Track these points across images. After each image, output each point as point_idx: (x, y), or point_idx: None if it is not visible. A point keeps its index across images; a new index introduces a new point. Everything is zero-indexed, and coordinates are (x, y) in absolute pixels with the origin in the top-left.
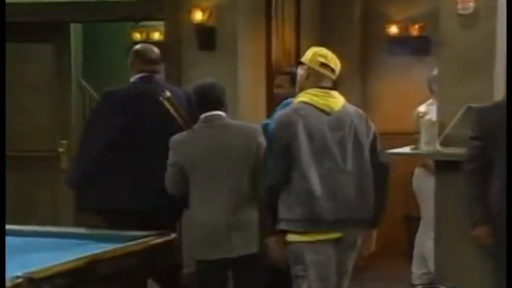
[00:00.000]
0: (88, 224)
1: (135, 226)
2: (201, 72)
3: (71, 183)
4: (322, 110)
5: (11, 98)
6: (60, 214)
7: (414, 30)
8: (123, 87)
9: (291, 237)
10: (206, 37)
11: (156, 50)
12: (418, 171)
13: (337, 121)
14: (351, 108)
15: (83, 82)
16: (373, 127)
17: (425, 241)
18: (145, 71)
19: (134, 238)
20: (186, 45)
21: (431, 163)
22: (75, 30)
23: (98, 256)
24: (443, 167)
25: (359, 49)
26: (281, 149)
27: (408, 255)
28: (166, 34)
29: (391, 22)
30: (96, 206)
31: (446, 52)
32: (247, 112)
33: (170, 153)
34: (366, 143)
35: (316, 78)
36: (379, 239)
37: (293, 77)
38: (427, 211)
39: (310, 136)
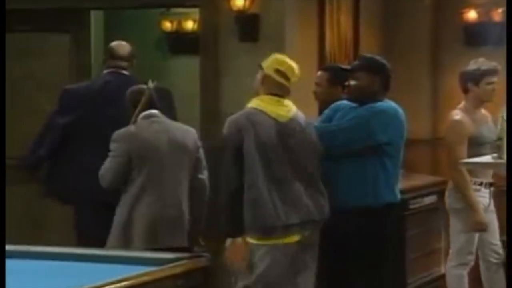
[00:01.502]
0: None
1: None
2: (242, 68)
3: (29, 165)
4: (273, 118)
5: (22, 97)
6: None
7: (497, 15)
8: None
9: (250, 240)
10: (248, 26)
11: (127, 47)
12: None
13: (288, 129)
14: (301, 116)
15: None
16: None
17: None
18: (112, 67)
19: (163, 261)
20: (225, 36)
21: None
22: (96, 18)
23: (135, 281)
24: None
25: (430, 38)
26: (233, 155)
27: None
28: (202, 23)
29: (469, 6)
30: (62, 196)
31: None
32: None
33: (116, 145)
34: (315, 150)
35: (270, 85)
36: None
37: (332, 74)
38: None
39: (260, 144)
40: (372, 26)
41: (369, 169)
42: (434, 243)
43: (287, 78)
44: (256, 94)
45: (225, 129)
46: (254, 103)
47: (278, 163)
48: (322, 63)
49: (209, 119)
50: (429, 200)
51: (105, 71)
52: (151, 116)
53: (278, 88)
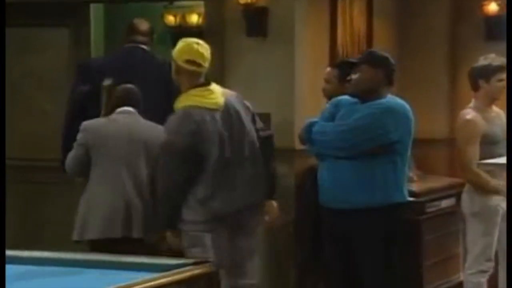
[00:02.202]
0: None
1: None
2: (250, 64)
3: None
4: (210, 109)
5: (19, 96)
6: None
7: None
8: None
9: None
10: (256, 20)
11: (147, 23)
12: (470, 186)
13: (227, 115)
14: (230, 94)
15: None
16: (250, 106)
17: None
18: (132, 41)
19: (167, 267)
20: (232, 30)
21: None
22: (97, 12)
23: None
24: None
25: (447, 32)
26: (180, 154)
27: None
28: (207, 16)
29: None
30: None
31: None
32: (306, 111)
33: (80, 134)
34: (252, 126)
35: (189, 77)
36: None
37: (342, 71)
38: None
39: (209, 140)
40: (387, 19)
41: (379, 168)
42: (452, 249)
43: (199, 65)
44: (177, 85)
45: (171, 132)
46: (187, 101)
47: (226, 153)
48: (333, 59)
49: None
50: (446, 203)
51: (126, 45)
52: (124, 112)
53: (196, 77)
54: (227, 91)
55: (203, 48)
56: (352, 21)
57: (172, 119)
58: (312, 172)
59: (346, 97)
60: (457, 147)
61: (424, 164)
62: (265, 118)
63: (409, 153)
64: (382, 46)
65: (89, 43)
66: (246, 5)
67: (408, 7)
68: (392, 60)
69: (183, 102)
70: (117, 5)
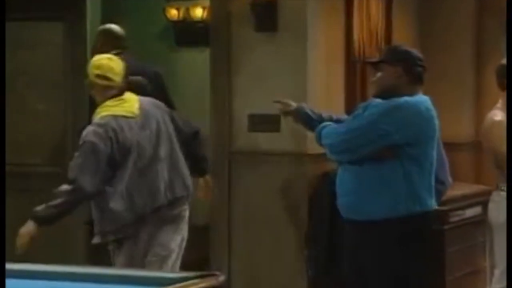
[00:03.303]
0: (104, 260)
1: None
2: (258, 60)
3: None
4: (127, 117)
5: (10, 94)
6: (71, 248)
7: None
8: None
9: None
10: (265, 14)
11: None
12: (497, 195)
13: (143, 120)
14: (146, 101)
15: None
16: (167, 109)
17: None
18: (118, 47)
19: (172, 281)
20: (239, 25)
21: None
22: (93, 5)
23: None
24: None
25: (472, 27)
26: (99, 162)
27: None
28: (212, 10)
29: None
30: None
31: None
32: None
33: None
34: (171, 129)
35: (102, 91)
36: None
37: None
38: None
39: (125, 146)
40: (407, 13)
41: (387, 175)
42: (478, 262)
43: (109, 79)
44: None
45: (89, 139)
46: (104, 112)
47: (140, 157)
48: (349, 56)
49: (221, 118)
50: (471, 212)
51: (112, 52)
52: None
53: (108, 90)
54: (142, 98)
55: (113, 63)
56: (370, 14)
57: (89, 129)
58: (326, 178)
59: (374, 99)
60: (488, 151)
61: None
62: (275, 119)
63: (433, 158)
64: (402, 42)
65: (85, 38)
66: None
67: (430, 1)
68: (414, 54)
69: (99, 113)
70: None
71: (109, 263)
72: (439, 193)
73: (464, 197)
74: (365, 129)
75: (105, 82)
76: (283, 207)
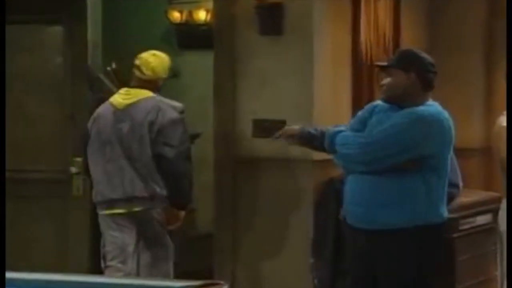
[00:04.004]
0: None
1: None
2: (263, 65)
3: None
4: (114, 106)
5: (8, 99)
6: (71, 256)
7: None
8: None
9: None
10: (270, 16)
11: None
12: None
13: (124, 115)
14: (151, 103)
15: (103, 78)
16: (166, 120)
17: None
18: None
19: None
20: (243, 28)
21: None
22: (93, 7)
23: None
24: None
25: (482, 29)
26: (84, 142)
27: None
28: (216, 13)
29: None
30: None
31: None
32: (326, 117)
33: None
34: (146, 135)
35: (132, 78)
36: None
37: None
38: None
39: (99, 130)
40: (416, 15)
41: (408, 186)
42: (489, 271)
43: (142, 72)
44: None
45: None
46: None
47: (110, 145)
48: (356, 60)
49: (224, 124)
50: (482, 219)
51: None
52: None
53: (136, 80)
54: (153, 100)
55: (153, 60)
56: (377, 16)
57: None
58: (332, 184)
59: (381, 102)
60: (496, 157)
61: None
62: (280, 125)
63: (448, 168)
64: (410, 45)
65: (85, 41)
66: (259, 1)
67: (439, 2)
68: (428, 60)
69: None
70: (116, 0)
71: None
72: (453, 197)
73: (474, 204)
74: (390, 142)
75: (137, 73)
76: (288, 214)
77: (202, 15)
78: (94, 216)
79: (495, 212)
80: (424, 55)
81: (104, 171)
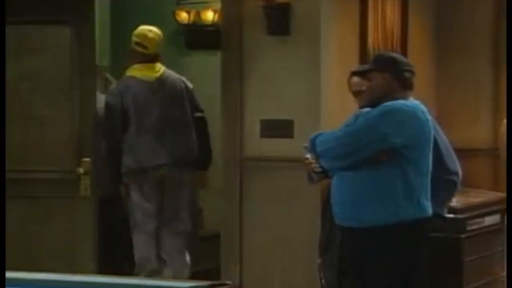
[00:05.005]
0: (113, 269)
1: None
2: (270, 65)
3: None
4: (143, 80)
5: (16, 101)
6: (78, 256)
7: None
8: None
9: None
10: (278, 17)
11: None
12: None
13: (158, 85)
14: (172, 75)
15: (111, 78)
16: (190, 87)
17: None
18: None
19: None
20: (251, 28)
21: None
22: (101, 8)
23: None
24: None
25: (490, 29)
26: (114, 114)
27: None
28: (224, 13)
29: None
30: None
31: None
32: (333, 117)
33: None
34: (186, 101)
35: (135, 55)
36: None
37: None
38: None
39: (136, 103)
40: (423, 15)
41: (384, 179)
42: (497, 271)
43: (144, 47)
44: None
45: (107, 95)
46: (127, 72)
47: (149, 115)
48: (363, 59)
49: (232, 124)
50: (490, 220)
51: None
52: None
53: (141, 57)
54: (172, 73)
55: (152, 33)
56: (385, 16)
57: (111, 87)
58: None
59: (368, 108)
60: (502, 157)
61: (464, 177)
62: (288, 125)
63: (428, 160)
64: (418, 45)
65: (93, 43)
66: (267, 1)
67: (447, 2)
68: (402, 60)
69: (125, 74)
70: (123, 1)
71: (117, 272)
72: (455, 185)
73: (482, 205)
74: (363, 132)
75: (139, 49)
76: (296, 214)
77: (209, 16)
78: (101, 216)
79: (503, 213)
80: (398, 55)
81: (146, 138)
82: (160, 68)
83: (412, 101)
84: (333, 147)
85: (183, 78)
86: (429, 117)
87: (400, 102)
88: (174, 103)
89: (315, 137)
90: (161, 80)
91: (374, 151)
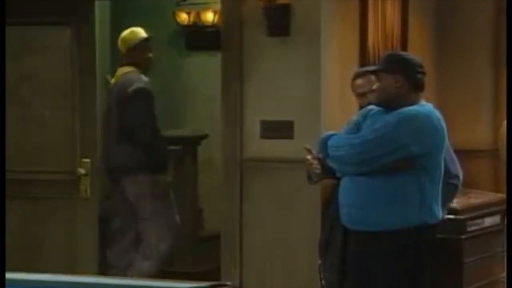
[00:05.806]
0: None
1: None
2: (270, 66)
3: None
4: (109, 82)
5: (16, 101)
6: (79, 257)
7: None
8: None
9: None
10: (278, 18)
11: None
12: None
13: (111, 92)
14: (130, 76)
15: (111, 80)
16: (136, 88)
17: None
18: None
19: None
20: (251, 29)
21: None
22: (101, 9)
23: None
24: None
25: (490, 29)
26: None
27: None
28: (224, 14)
29: None
30: None
31: None
32: (334, 119)
33: None
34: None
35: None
36: None
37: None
38: None
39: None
40: (424, 15)
41: (401, 187)
42: (497, 272)
43: (120, 50)
44: None
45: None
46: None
47: (107, 120)
48: (363, 60)
49: (232, 125)
50: (490, 221)
51: None
52: None
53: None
54: (132, 74)
55: (126, 34)
56: (385, 17)
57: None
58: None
59: (374, 106)
60: (502, 158)
61: (464, 178)
62: (288, 126)
63: (441, 167)
64: (419, 46)
65: (93, 43)
66: (267, 2)
67: (447, 2)
68: (414, 61)
69: None
70: (124, 2)
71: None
72: (456, 188)
73: (482, 206)
74: (382, 141)
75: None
76: (296, 215)
77: (209, 17)
78: (102, 218)
79: (503, 214)
80: (411, 57)
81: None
82: (120, 72)
83: (426, 106)
84: (348, 154)
85: (138, 84)
86: (444, 124)
87: (415, 108)
88: (114, 109)
89: (327, 138)
90: (116, 85)
91: (393, 159)
